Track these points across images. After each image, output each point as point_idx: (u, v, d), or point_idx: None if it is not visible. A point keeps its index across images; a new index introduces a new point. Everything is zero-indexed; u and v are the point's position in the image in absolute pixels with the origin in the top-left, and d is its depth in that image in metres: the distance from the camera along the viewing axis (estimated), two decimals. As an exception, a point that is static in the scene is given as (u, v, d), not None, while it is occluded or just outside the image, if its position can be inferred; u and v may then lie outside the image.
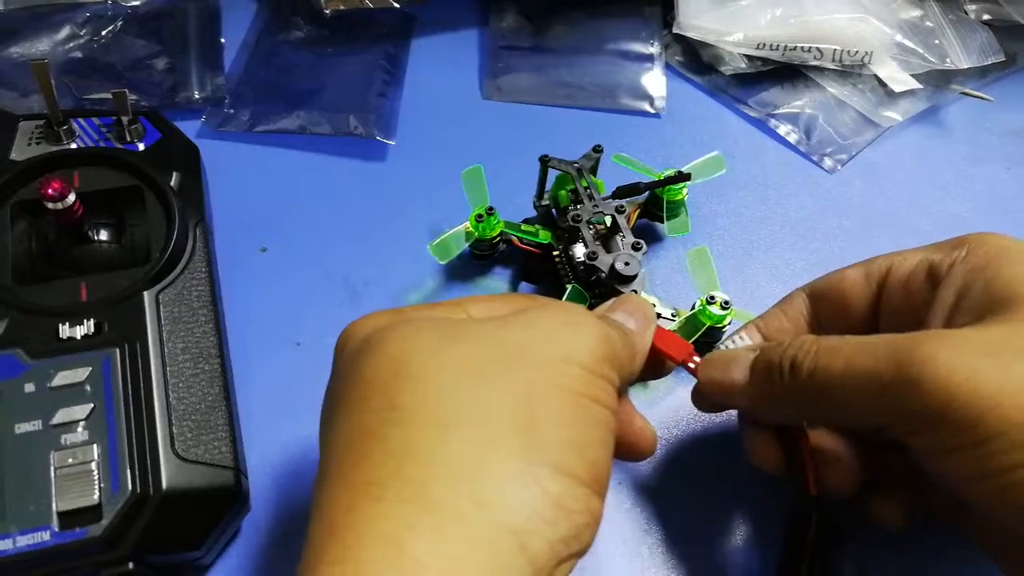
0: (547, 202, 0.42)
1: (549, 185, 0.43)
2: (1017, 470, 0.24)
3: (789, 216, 0.47)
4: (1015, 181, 0.50)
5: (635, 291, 0.37)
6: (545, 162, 0.41)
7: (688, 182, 0.41)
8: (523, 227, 0.41)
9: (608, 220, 0.39)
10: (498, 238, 0.41)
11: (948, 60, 0.53)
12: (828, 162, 0.50)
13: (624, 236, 0.38)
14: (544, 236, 0.40)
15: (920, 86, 0.52)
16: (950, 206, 0.48)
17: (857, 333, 0.32)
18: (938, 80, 0.53)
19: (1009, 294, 0.27)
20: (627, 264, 0.36)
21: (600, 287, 0.38)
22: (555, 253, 0.40)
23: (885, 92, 0.52)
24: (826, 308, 0.33)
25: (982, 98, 0.53)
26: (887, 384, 0.25)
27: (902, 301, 0.31)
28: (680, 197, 0.42)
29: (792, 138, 0.50)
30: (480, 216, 0.40)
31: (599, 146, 0.42)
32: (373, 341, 0.25)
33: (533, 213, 0.43)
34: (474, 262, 0.43)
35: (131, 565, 0.29)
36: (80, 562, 0.28)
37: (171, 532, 0.30)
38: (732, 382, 0.30)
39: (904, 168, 0.50)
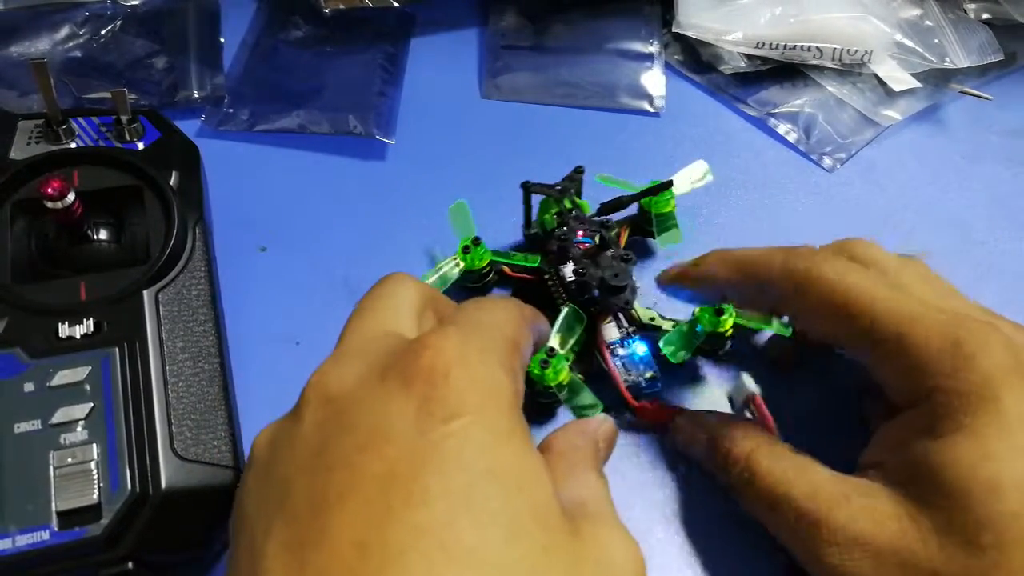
0: (536, 230, 0.41)
1: (535, 210, 0.41)
2: None
3: (788, 215, 0.47)
4: (1015, 181, 0.50)
5: (627, 302, 0.37)
6: (527, 188, 0.40)
7: (670, 189, 0.40)
8: (511, 255, 0.40)
9: (596, 239, 0.39)
10: (488, 268, 0.40)
11: (947, 59, 0.53)
12: (827, 161, 0.49)
13: (614, 252, 0.38)
14: (533, 260, 0.39)
15: (919, 85, 0.52)
16: (950, 205, 0.48)
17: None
18: (937, 79, 0.53)
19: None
20: (616, 275, 0.36)
21: (594, 305, 0.37)
22: (546, 276, 0.39)
23: (884, 91, 0.52)
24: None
25: (982, 97, 0.53)
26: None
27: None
28: (669, 209, 0.41)
29: (791, 137, 0.50)
30: (467, 247, 0.39)
31: (581, 167, 0.41)
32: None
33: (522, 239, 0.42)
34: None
35: (130, 565, 0.29)
36: (79, 562, 0.28)
37: (171, 532, 0.30)
38: (696, 448, 0.34)
39: (903, 167, 0.50)
